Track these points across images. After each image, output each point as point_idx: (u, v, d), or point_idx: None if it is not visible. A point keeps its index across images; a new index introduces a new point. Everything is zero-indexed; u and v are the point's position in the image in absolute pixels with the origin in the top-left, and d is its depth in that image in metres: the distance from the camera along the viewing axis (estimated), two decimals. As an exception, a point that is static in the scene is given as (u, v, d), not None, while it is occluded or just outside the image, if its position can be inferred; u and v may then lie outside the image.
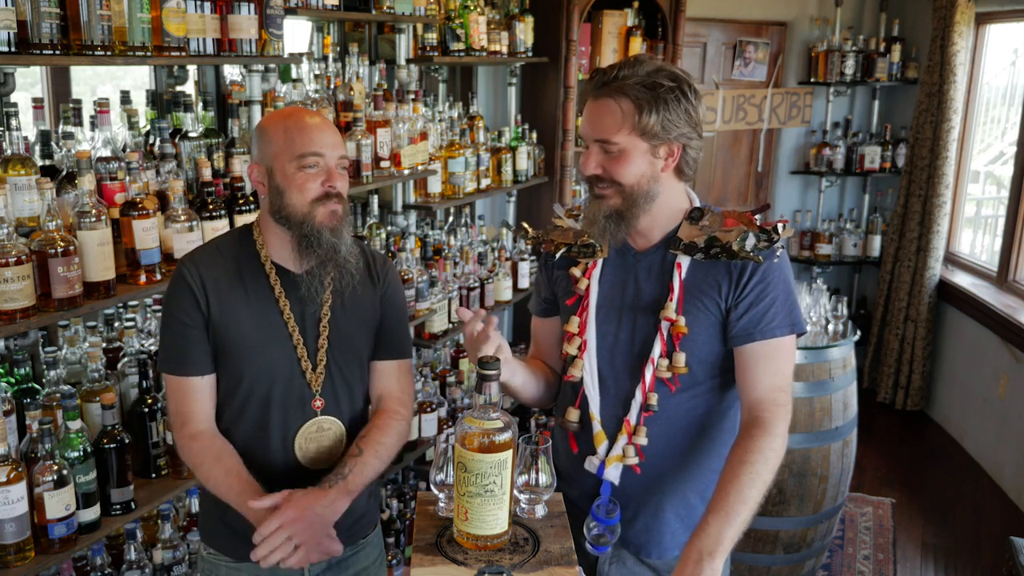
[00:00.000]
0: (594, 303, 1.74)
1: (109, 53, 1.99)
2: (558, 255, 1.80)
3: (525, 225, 2.01)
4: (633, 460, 1.69)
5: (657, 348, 1.67)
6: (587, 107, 1.67)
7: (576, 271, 1.78)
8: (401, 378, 1.87)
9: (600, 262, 1.76)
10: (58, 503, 1.88)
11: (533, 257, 4.14)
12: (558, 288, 1.84)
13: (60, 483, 1.87)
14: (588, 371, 1.73)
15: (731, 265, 1.65)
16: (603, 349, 1.73)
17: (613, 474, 1.70)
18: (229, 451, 1.70)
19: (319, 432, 1.75)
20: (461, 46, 3.64)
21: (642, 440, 1.69)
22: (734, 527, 1.48)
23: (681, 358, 1.65)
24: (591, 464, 1.72)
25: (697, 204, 1.74)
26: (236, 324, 1.69)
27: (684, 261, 1.68)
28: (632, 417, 1.69)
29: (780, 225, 1.65)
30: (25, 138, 1.99)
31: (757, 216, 1.71)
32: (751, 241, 1.62)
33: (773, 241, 1.63)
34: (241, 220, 2.34)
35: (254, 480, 1.67)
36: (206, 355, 1.71)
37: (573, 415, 1.76)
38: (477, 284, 3.63)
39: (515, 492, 1.44)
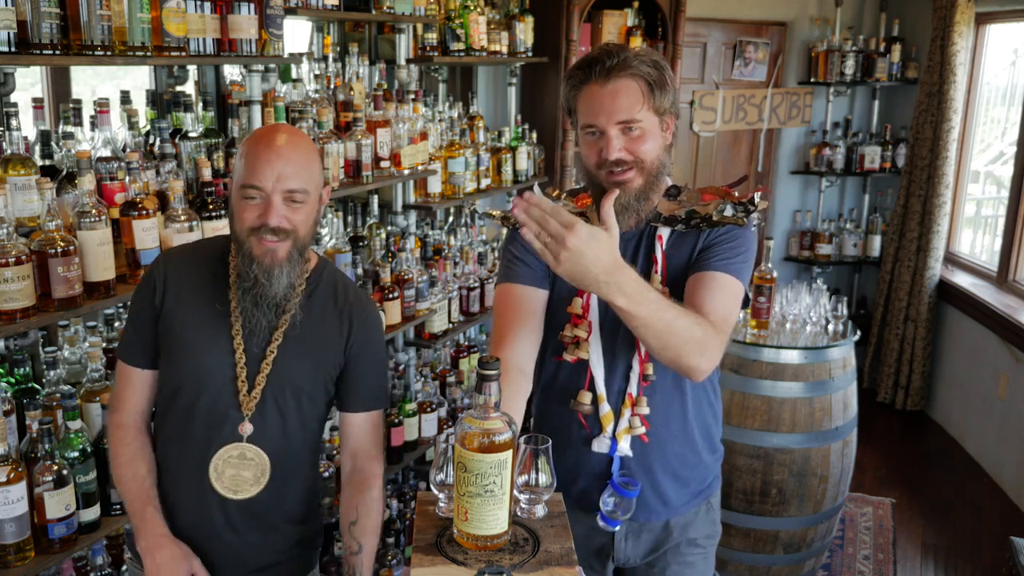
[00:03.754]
0: None
1: (109, 53, 1.99)
2: None
3: (489, 210, 1.98)
4: (640, 430, 1.76)
5: None
6: (591, 94, 1.68)
7: None
8: (373, 432, 1.81)
9: None
10: (58, 503, 1.88)
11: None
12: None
13: (60, 483, 1.87)
14: (595, 352, 1.76)
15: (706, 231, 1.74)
16: (605, 328, 1.76)
17: (625, 447, 1.77)
18: (144, 456, 1.74)
19: (240, 459, 1.68)
20: (461, 46, 3.64)
21: (644, 410, 1.76)
22: (649, 297, 1.49)
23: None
24: (601, 444, 1.78)
25: (671, 183, 1.81)
26: (181, 323, 1.69)
27: (664, 232, 1.75)
28: (633, 389, 1.76)
29: (756, 195, 1.72)
30: (25, 138, 1.99)
31: (735, 188, 1.79)
32: (729, 210, 1.71)
33: (750, 212, 1.71)
34: (241, 220, 2.34)
35: (155, 494, 1.71)
36: (149, 349, 1.74)
37: (586, 397, 1.79)
38: (477, 284, 3.63)
39: (515, 492, 1.44)
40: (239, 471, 1.68)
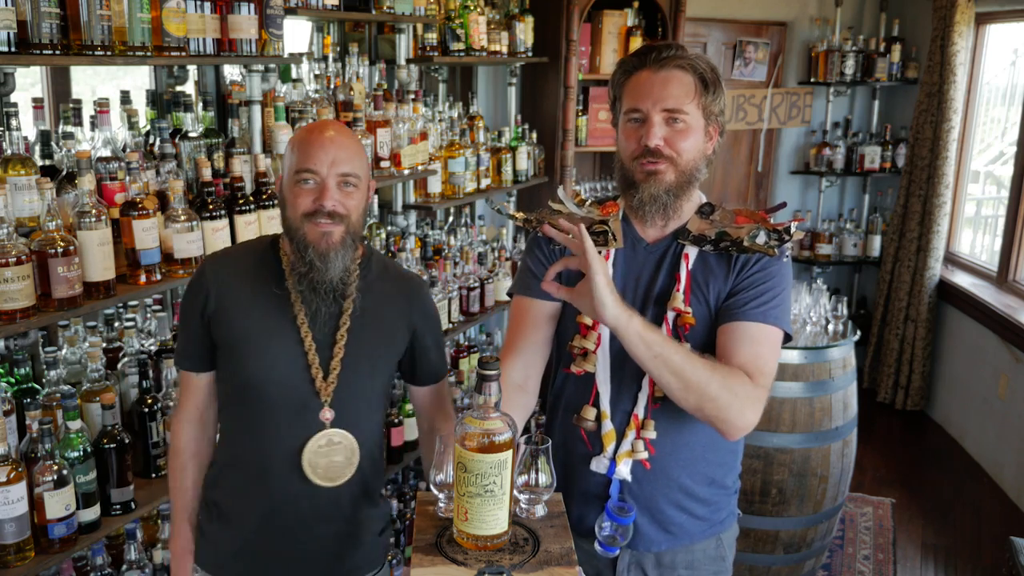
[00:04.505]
0: None
1: (109, 53, 1.99)
2: None
3: (512, 211, 1.93)
4: (643, 454, 1.67)
5: None
6: (642, 79, 1.63)
7: None
8: (444, 399, 1.89)
9: (614, 252, 1.70)
10: (58, 503, 1.88)
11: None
12: (567, 275, 1.75)
13: (60, 483, 1.87)
14: (602, 366, 1.69)
15: (736, 257, 1.65)
16: (615, 342, 1.67)
17: (624, 471, 1.67)
18: (193, 466, 1.80)
19: (329, 446, 1.67)
20: (461, 46, 3.64)
21: (651, 434, 1.66)
22: (663, 347, 1.50)
23: (686, 348, 1.60)
24: (599, 464, 1.69)
25: (706, 200, 1.74)
26: (239, 318, 1.67)
27: (692, 252, 1.67)
28: (640, 411, 1.67)
29: (792, 224, 1.65)
30: (25, 138, 1.99)
31: (771, 215, 1.70)
32: (762, 237, 1.62)
33: (784, 241, 1.63)
34: (241, 220, 2.34)
35: (194, 507, 1.80)
36: (203, 352, 1.72)
37: (590, 413, 1.70)
38: (477, 284, 3.63)
39: (515, 492, 1.44)
40: (331, 458, 1.67)
